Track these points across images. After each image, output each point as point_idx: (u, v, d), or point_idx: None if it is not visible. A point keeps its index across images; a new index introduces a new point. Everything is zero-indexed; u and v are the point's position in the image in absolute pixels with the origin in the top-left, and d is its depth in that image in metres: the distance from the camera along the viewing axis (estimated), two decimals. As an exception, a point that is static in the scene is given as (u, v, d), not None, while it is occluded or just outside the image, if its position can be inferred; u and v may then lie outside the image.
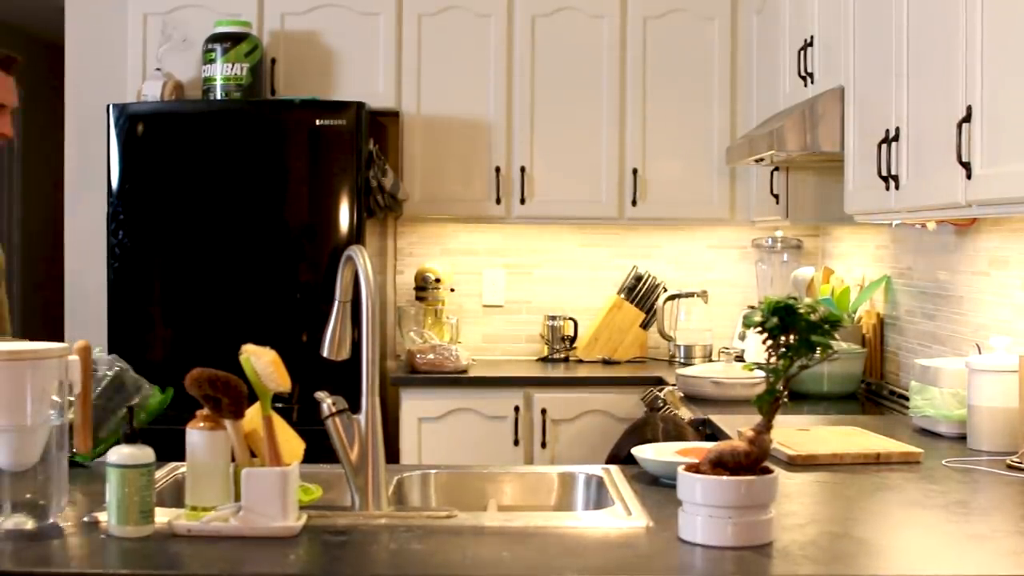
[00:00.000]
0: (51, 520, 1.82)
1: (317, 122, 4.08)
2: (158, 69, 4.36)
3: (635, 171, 4.51)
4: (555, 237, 4.84)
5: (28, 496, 1.80)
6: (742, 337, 4.24)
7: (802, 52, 3.56)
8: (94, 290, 4.52)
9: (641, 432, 2.62)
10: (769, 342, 1.72)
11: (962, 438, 2.62)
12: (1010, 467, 2.34)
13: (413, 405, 4.15)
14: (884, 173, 2.77)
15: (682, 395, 3.65)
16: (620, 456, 2.64)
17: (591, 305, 4.80)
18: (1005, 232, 2.94)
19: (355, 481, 1.93)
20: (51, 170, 5.47)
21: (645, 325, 4.71)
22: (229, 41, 4.27)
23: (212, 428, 1.81)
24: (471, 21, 4.49)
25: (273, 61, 4.42)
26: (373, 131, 4.28)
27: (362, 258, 2.02)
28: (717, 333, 4.69)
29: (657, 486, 2.11)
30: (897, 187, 2.73)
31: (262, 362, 1.85)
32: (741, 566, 1.63)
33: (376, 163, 4.19)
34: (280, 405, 1.97)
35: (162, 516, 1.80)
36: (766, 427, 1.72)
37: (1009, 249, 2.92)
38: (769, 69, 4.10)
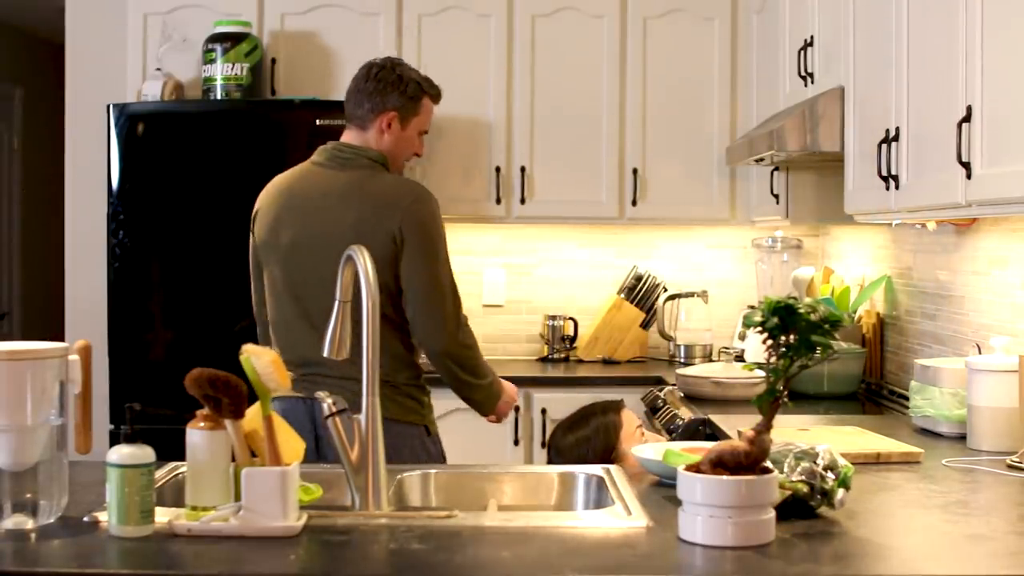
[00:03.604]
0: (51, 520, 1.82)
1: (317, 122, 4.08)
2: (158, 69, 4.36)
3: (635, 171, 4.51)
4: (555, 237, 4.84)
5: (28, 496, 1.80)
6: (742, 337, 4.22)
7: (802, 52, 3.56)
8: (94, 290, 4.52)
9: (586, 440, 2.58)
10: (769, 342, 1.72)
11: (962, 438, 2.62)
12: (1010, 467, 2.34)
13: (413, 405, 4.15)
14: (884, 173, 2.77)
15: (682, 395, 3.65)
16: (556, 446, 2.62)
17: (591, 305, 4.81)
18: (1005, 232, 2.94)
19: (355, 481, 1.93)
20: (51, 170, 5.47)
21: (645, 325, 4.71)
22: (229, 41, 4.27)
23: (212, 428, 1.81)
24: (471, 21, 4.49)
25: (273, 61, 4.42)
26: (373, 131, 4.28)
27: (362, 258, 2.02)
28: (717, 333, 4.69)
29: (657, 486, 2.11)
30: (897, 187, 2.73)
31: (262, 362, 1.85)
32: (741, 566, 1.63)
33: (376, 163, 4.19)
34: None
35: (162, 516, 1.80)
36: (766, 427, 1.72)
37: (1009, 249, 2.92)
38: (769, 69, 4.10)
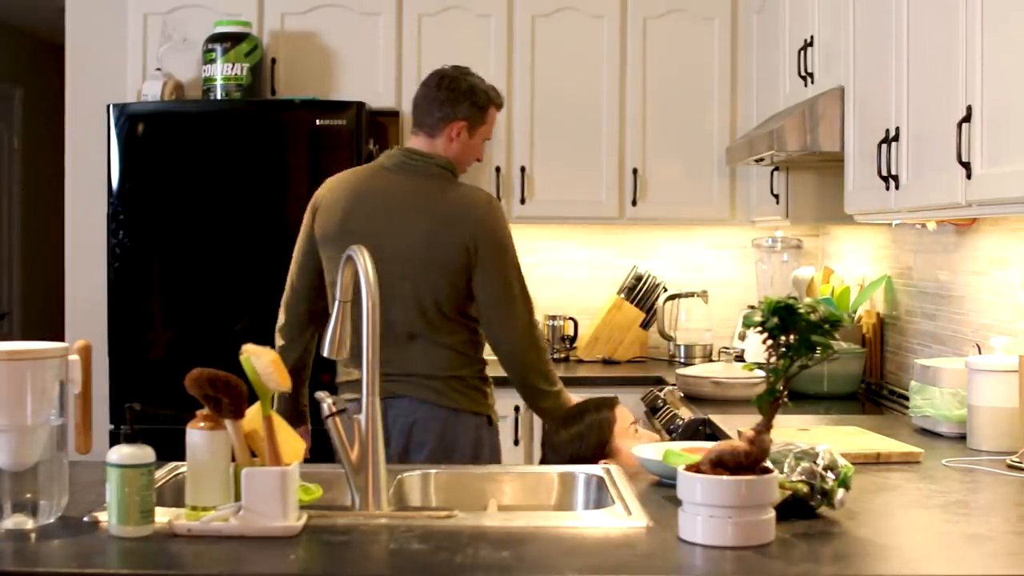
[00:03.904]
0: (51, 520, 1.82)
1: (317, 122, 4.08)
2: (158, 69, 4.36)
3: (635, 171, 4.51)
4: (555, 237, 4.84)
5: (28, 496, 1.80)
6: (742, 337, 4.22)
7: (802, 52, 3.56)
8: (94, 290, 4.52)
9: (581, 436, 2.60)
10: (769, 342, 1.72)
11: (962, 438, 2.62)
12: (1010, 467, 2.34)
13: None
14: (884, 173, 2.77)
15: (682, 395, 3.65)
16: (553, 445, 2.64)
17: (591, 305, 4.80)
18: (1005, 232, 2.94)
19: (355, 481, 1.93)
20: (51, 170, 5.47)
21: (645, 325, 4.71)
22: (229, 41, 4.27)
23: (212, 428, 1.81)
24: (471, 21, 4.49)
25: (273, 61, 4.42)
26: (373, 131, 4.28)
27: (362, 258, 2.02)
28: (717, 333, 4.69)
29: (657, 486, 2.11)
30: (897, 187, 2.73)
31: (262, 362, 1.85)
32: (741, 566, 1.63)
33: (376, 163, 4.19)
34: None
35: (162, 516, 1.80)
36: (766, 427, 1.72)
37: (1009, 249, 2.92)
38: (769, 69, 4.10)
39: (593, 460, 2.50)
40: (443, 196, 2.89)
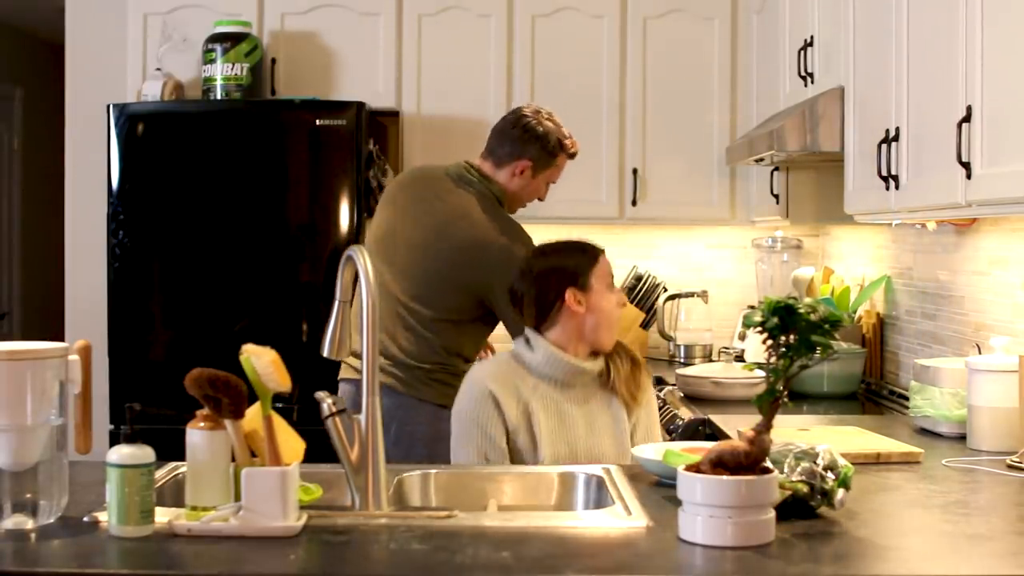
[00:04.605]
0: (51, 520, 1.82)
1: (317, 122, 4.08)
2: (158, 69, 4.36)
3: (635, 171, 4.51)
4: (555, 237, 4.82)
5: (28, 496, 1.80)
6: (742, 337, 4.24)
7: (802, 52, 3.56)
8: (94, 290, 4.52)
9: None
10: (769, 342, 1.72)
11: (962, 438, 2.62)
12: (1010, 467, 2.34)
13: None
14: (884, 173, 2.77)
15: (682, 395, 3.65)
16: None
17: (591, 305, 4.80)
18: (1005, 232, 2.94)
19: (355, 481, 1.93)
20: (51, 170, 5.47)
21: (645, 325, 4.71)
22: (229, 41, 4.27)
23: (212, 428, 1.81)
24: (471, 21, 4.49)
25: (273, 61, 4.42)
26: (373, 131, 4.29)
27: (362, 258, 2.02)
28: (717, 333, 4.69)
29: (657, 486, 2.11)
30: (897, 187, 2.73)
31: (262, 362, 1.85)
32: (741, 566, 1.63)
33: (376, 163, 4.20)
34: (280, 405, 1.97)
35: (162, 516, 1.80)
36: (766, 427, 1.72)
37: (1009, 249, 2.92)
38: (769, 69, 4.10)
39: (560, 293, 2.56)
40: (481, 218, 3.09)
